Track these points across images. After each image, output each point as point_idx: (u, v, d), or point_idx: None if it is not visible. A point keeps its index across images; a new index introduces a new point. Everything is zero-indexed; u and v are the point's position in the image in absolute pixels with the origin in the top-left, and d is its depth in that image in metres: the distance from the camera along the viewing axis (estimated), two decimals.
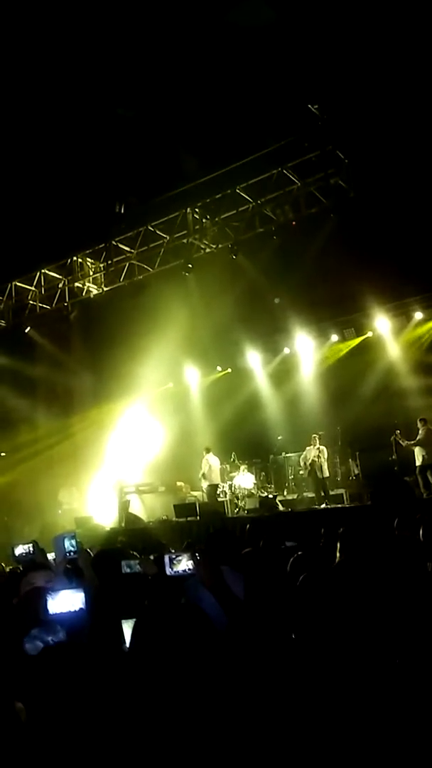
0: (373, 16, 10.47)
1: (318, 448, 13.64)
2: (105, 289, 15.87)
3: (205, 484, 15.11)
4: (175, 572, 4.06)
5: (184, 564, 4.03)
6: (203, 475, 15.15)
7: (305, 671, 1.47)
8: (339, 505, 13.14)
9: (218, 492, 15.02)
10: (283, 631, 1.55)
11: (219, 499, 14.91)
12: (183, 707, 1.78)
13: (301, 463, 14.24)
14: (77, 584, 3.32)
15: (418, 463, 12.57)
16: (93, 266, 16.01)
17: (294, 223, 12.96)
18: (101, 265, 15.77)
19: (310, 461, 13.66)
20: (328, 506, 13.05)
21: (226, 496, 14.96)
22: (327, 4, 10.67)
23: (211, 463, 15.10)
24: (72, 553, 4.11)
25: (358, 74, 11.19)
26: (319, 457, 13.54)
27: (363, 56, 10.82)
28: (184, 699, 1.79)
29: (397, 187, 12.00)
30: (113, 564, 4.11)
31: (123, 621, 3.09)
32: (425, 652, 2.32)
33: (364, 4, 10.42)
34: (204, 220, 14.13)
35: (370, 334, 15.44)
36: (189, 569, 3.88)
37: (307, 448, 13.84)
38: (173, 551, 4.45)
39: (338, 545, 4.33)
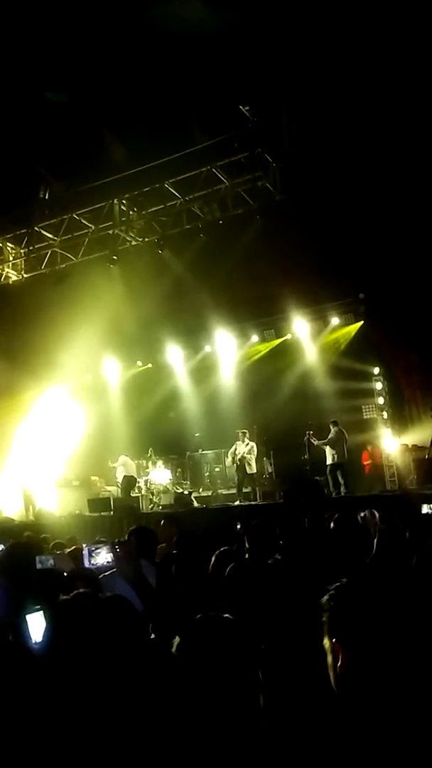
0: (307, 26, 10.74)
1: (247, 444, 13.78)
2: (25, 275, 15.40)
3: (120, 476, 15.01)
4: (93, 564, 4.04)
5: (104, 557, 4.02)
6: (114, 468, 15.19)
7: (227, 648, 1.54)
8: (252, 503, 13.39)
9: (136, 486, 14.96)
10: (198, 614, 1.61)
11: (133, 495, 14.83)
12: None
13: (229, 458, 14.22)
14: None
15: (328, 462, 13.02)
16: (13, 251, 15.49)
17: (221, 222, 13.07)
18: (22, 251, 15.29)
19: (239, 456, 13.72)
20: (242, 503, 13.28)
21: (140, 492, 14.90)
22: (263, 11, 10.83)
23: (126, 461, 15.15)
24: None
25: (290, 81, 11.43)
26: (250, 452, 13.70)
27: (296, 65, 11.07)
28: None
29: (322, 194, 12.37)
30: (27, 559, 4.03)
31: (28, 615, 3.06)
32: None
33: (298, 14, 10.66)
34: (131, 213, 14.00)
35: (288, 336, 15.83)
36: (108, 562, 3.88)
37: (236, 443, 13.88)
38: (91, 544, 4.43)
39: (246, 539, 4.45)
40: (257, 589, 2.85)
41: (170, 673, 1.54)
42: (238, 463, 13.78)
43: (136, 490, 14.84)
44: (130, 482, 14.68)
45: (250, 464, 13.63)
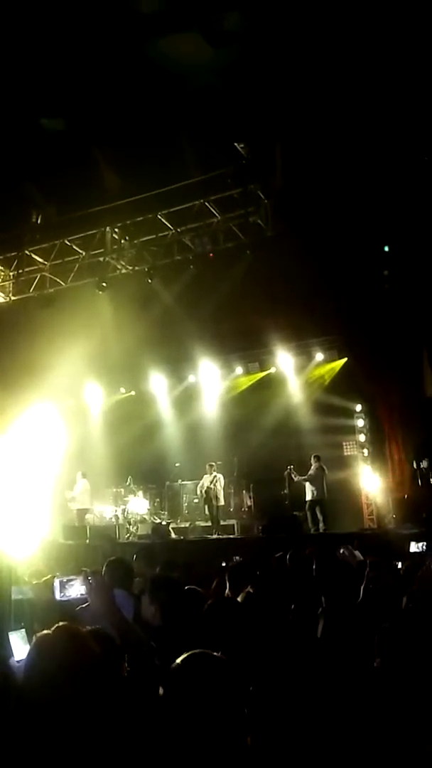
0: (302, 66, 11.04)
1: (213, 476, 13.78)
2: (13, 298, 15.38)
3: (75, 506, 14.78)
4: (66, 597, 3.93)
5: (77, 588, 3.90)
6: (73, 498, 14.91)
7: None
8: (230, 536, 13.28)
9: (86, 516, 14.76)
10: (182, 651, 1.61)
11: (110, 523, 14.67)
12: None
13: (198, 492, 14.30)
14: None
15: (307, 498, 13.02)
16: (2, 274, 15.50)
17: (211, 254, 13.23)
18: (11, 274, 15.29)
19: (205, 489, 13.75)
20: (220, 536, 13.16)
21: (118, 520, 14.72)
22: (260, 49, 11.14)
23: (86, 486, 15.01)
24: None
25: (285, 119, 11.72)
26: (214, 484, 13.67)
27: (291, 104, 11.35)
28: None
29: (312, 231, 12.60)
30: (3, 588, 3.95)
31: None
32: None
33: (294, 54, 10.97)
34: (123, 241, 14.12)
35: (273, 370, 15.94)
36: (81, 594, 3.78)
37: (204, 476, 13.94)
38: (64, 576, 4.33)
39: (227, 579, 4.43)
40: (232, 627, 2.82)
41: (156, 708, 1.52)
42: (204, 495, 13.76)
43: (114, 519, 14.68)
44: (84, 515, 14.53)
45: (216, 496, 13.60)
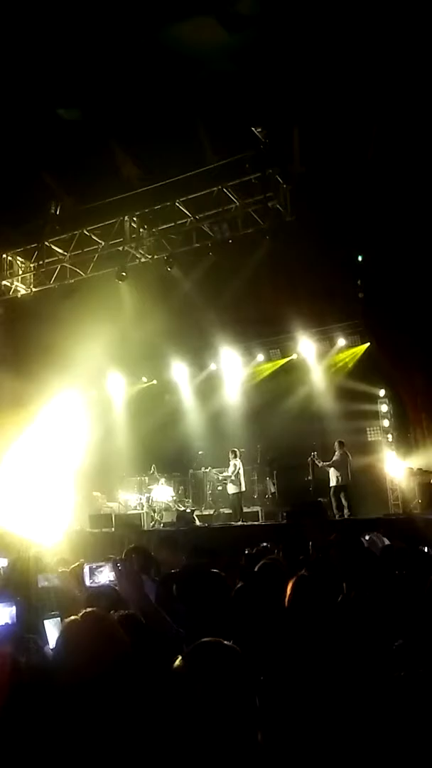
0: (319, 49, 10.88)
1: (234, 463, 13.81)
2: (34, 289, 15.48)
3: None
4: (95, 583, 3.99)
5: (106, 575, 3.96)
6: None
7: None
8: (255, 523, 13.30)
9: None
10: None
11: (135, 511, 14.79)
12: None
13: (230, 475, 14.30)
14: (6, 598, 3.22)
15: (332, 484, 12.96)
16: (23, 265, 15.59)
17: (230, 241, 13.14)
18: (32, 265, 15.38)
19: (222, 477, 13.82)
20: (245, 523, 13.18)
21: (143, 509, 14.84)
22: (276, 33, 10.99)
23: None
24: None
25: (302, 103, 11.57)
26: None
27: (308, 87, 11.20)
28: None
29: (331, 215, 12.45)
30: (30, 575, 4.01)
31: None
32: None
33: (311, 37, 10.81)
34: (141, 230, 14.09)
35: (294, 356, 15.85)
36: (110, 580, 3.83)
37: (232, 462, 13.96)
38: (93, 563, 4.38)
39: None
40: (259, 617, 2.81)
41: (167, 696, 1.52)
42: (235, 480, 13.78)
43: (139, 507, 14.79)
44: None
45: (231, 483, 13.59)
